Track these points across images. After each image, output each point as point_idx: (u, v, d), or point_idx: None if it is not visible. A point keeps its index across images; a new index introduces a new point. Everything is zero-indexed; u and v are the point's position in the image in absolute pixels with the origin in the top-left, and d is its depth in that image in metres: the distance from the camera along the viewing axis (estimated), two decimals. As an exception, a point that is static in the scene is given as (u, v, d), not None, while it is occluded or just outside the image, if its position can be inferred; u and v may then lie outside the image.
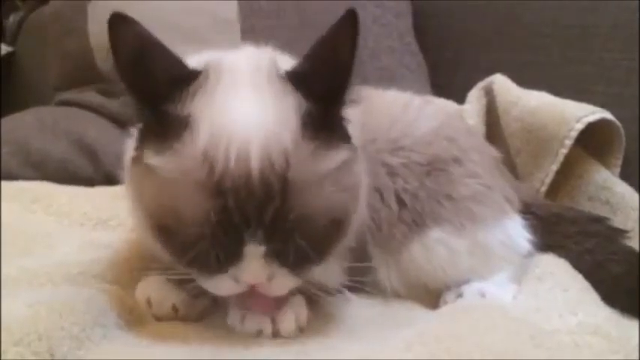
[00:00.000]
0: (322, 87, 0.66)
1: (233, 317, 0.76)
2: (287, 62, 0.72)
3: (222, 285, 0.69)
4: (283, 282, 0.69)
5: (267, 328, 0.73)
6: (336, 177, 0.68)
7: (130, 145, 0.76)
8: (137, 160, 0.70)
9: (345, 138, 0.70)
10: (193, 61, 0.71)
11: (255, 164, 0.63)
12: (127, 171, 0.77)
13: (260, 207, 0.63)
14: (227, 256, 0.66)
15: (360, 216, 0.77)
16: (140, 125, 0.71)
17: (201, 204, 0.64)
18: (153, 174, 0.67)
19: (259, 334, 0.74)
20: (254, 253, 0.66)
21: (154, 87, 0.66)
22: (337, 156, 0.68)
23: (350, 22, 0.65)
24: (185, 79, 0.68)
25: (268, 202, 0.63)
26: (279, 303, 0.73)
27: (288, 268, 0.68)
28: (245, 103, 0.67)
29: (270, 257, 0.66)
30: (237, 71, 0.71)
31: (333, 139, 0.68)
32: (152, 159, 0.67)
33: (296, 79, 0.68)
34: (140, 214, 0.72)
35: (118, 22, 0.65)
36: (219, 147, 0.64)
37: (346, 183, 0.70)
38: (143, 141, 0.69)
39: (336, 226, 0.70)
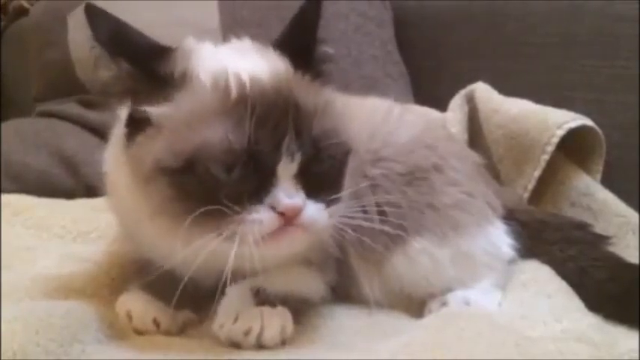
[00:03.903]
0: (298, 44, 0.76)
1: (223, 317, 0.74)
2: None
3: (259, 219, 0.68)
4: (314, 211, 0.70)
5: (256, 328, 0.72)
6: (333, 109, 0.75)
7: (110, 149, 0.78)
8: (134, 133, 0.71)
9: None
10: None
11: (266, 82, 0.70)
12: (115, 163, 0.77)
13: (282, 115, 0.68)
14: (263, 178, 0.68)
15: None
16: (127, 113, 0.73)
17: (226, 126, 0.67)
18: (164, 125, 0.69)
19: (247, 334, 0.72)
20: (287, 172, 0.68)
21: (141, 51, 0.71)
22: (327, 92, 0.76)
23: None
24: (164, 48, 0.73)
25: (286, 111, 0.69)
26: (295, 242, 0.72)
27: (316, 197, 0.70)
28: (235, 56, 0.74)
29: (300, 180, 0.69)
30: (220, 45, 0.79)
31: (318, 79, 0.76)
32: (163, 109, 0.69)
33: (276, 45, 0.76)
34: (153, 180, 0.70)
35: (93, 10, 0.70)
36: (227, 76, 0.69)
37: (342, 116, 0.76)
38: (141, 105, 0.70)
39: (345, 155, 0.75)
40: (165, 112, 0.69)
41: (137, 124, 0.72)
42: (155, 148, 0.69)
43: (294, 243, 0.71)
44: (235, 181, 0.67)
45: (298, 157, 0.69)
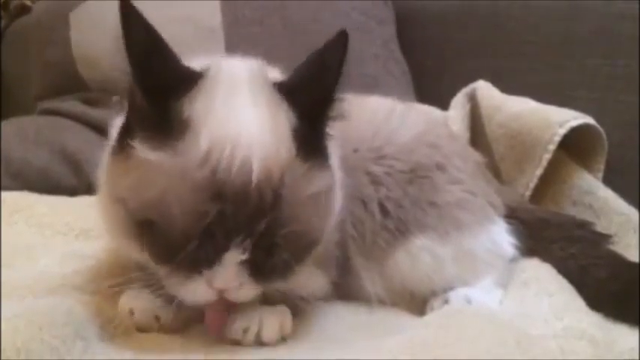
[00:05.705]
0: (308, 101, 0.68)
1: None
2: (274, 74, 0.74)
3: (193, 289, 0.68)
4: (250, 291, 0.70)
5: (255, 326, 0.72)
6: (321, 201, 0.70)
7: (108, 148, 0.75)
8: (121, 150, 0.68)
9: (326, 159, 0.72)
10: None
11: (255, 176, 0.64)
12: (102, 167, 0.75)
13: (254, 217, 0.64)
14: (207, 259, 0.66)
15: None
16: (124, 118, 0.70)
17: (197, 204, 0.63)
18: (142, 167, 0.65)
19: (245, 332, 0.72)
20: (232, 260, 0.66)
21: (162, 81, 0.66)
22: (323, 180, 0.70)
23: (340, 43, 0.68)
24: (190, 79, 0.68)
25: (262, 213, 0.64)
26: (230, 320, 0.73)
27: (258, 279, 0.69)
28: (244, 110, 0.68)
29: (245, 266, 0.67)
30: (235, 77, 0.71)
31: (321, 162, 0.70)
32: (149, 153, 0.65)
33: (285, 91, 0.69)
34: (117, 208, 0.69)
35: (130, 11, 0.65)
36: (222, 152, 0.64)
37: (328, 208, 0.72)
38: (133, 133, 0.67)
39: (312, 247, 0.72)
40: (152, 158, 0.65)
41: (126, 144, 0.68)
42: (127, 181, 0.67)
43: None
44: (185, 252, 0.65)
45: (248, 254, 0.66)
